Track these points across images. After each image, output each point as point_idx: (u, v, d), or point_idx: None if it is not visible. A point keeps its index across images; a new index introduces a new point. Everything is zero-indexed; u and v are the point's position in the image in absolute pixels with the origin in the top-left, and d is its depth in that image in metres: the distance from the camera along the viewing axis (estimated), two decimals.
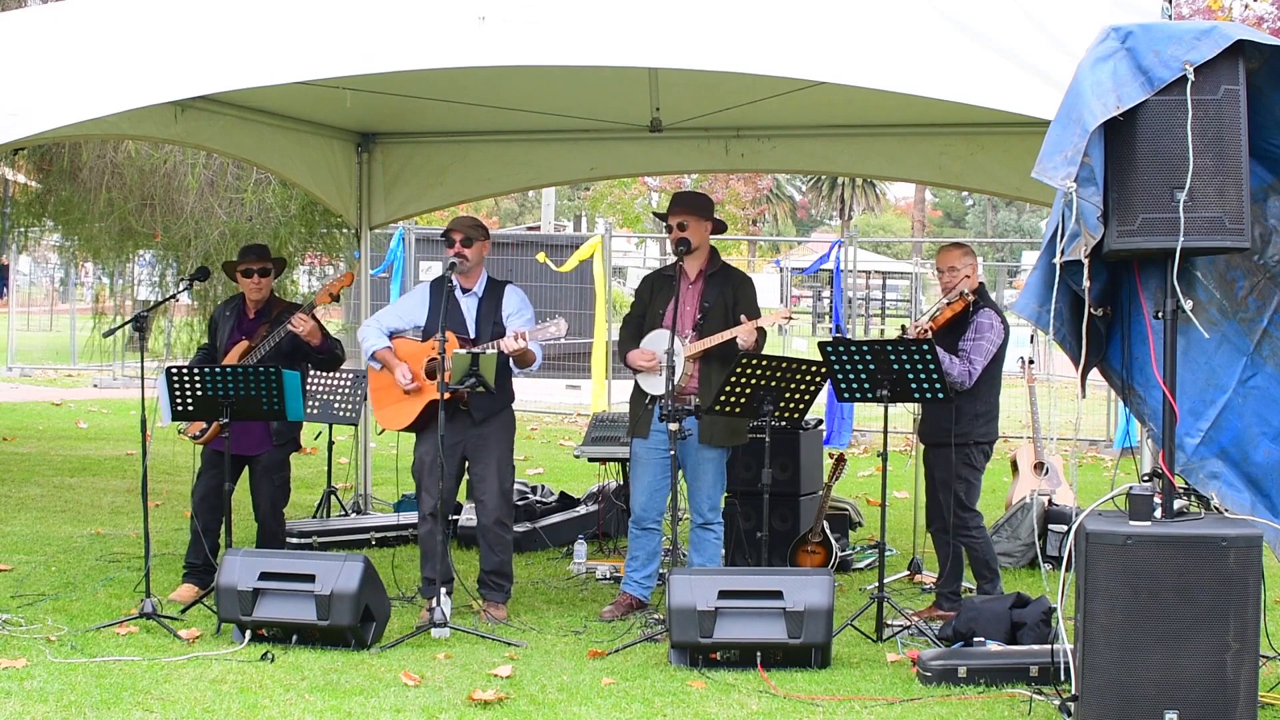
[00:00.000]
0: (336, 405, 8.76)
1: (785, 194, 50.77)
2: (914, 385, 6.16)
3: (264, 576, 5.86)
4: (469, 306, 6.63)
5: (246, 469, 6.93)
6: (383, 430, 6.93)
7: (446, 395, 6.20)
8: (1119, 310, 4.90)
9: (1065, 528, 7.53)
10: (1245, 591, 4.44)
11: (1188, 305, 4.64)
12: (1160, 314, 4.65)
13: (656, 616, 6.38)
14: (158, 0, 5.87)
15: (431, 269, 14.71)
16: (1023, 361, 9.37)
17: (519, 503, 8.55)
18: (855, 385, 6.22)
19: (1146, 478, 4.76)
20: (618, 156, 9.02)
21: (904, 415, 8.50)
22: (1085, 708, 4.58)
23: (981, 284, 6.73)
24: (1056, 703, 5.03)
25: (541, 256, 16.27)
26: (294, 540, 7.90)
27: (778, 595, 5.62)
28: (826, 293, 23.31)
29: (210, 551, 6.80)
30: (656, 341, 6.50)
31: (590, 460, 8.22)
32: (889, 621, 6.28)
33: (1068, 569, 4.84)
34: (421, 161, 9.12)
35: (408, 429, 6.61)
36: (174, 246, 12.15)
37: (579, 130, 8.65)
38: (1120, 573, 4.48)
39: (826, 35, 5.12)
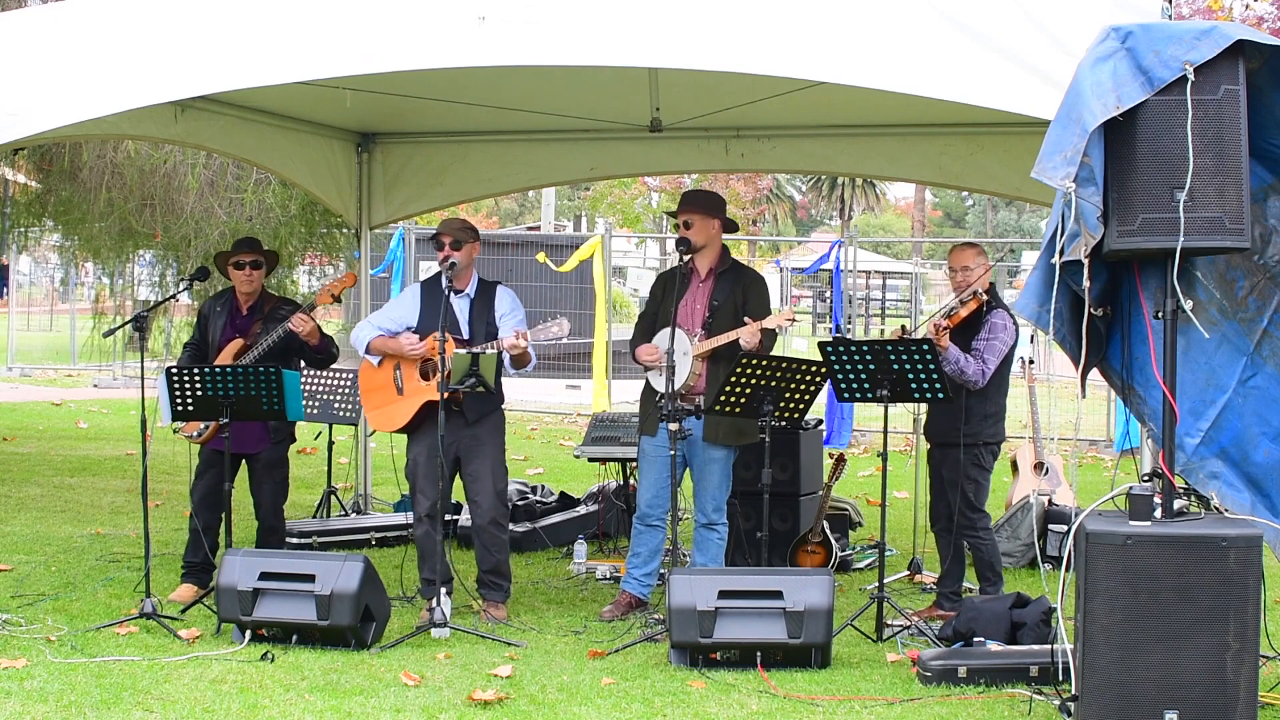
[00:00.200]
0: (336, 405, 8.76)
1: (785, 194, 50.76)
2: (914, 385, 6.16)
3: (264, 576, 5.86)
4: (462, 307, 6.62)
5: (245, 467, 6.93)
6: (373, 431, 6.92)
7: (445, 395, 6.20)
8: (1119, 310, 4.90)
9: (1065, 528, 7.53)
10: (1245, 591, 4.44)
11: (1188, 305, 4.64)
12: (1160, 314, 4.65)
13: (656, 616, 6.38)
14: (158, 0, 5.88)
15: (431, 269, 14.69)
16: (1023, 361, 9.37)
17: (519, 503, 8.55)
18: (855, 385, 6.22)
19: (1146, 478, 4.76)
20: (618, 156, 9.02)
21: (904, 415, 8.53)
22: (1085, 708, 4.58)
23: (993, 284, 6.72)
24: (1056, 703, 5.03)
25: (541, 256, 16.27)
26: (294, 540, 7.90)
27: (778, 595, 5.62)
28: (828, 293, 23.30)
29: (210, 550, 6.81)
30: (666, 339, 6.51)
31: (590, 460, 8.22)
32: (889, 621, 6.28)
33: (1068, 569, 4.84)
34: (421, 161, 9.12)
35: (402, 430, 6.61)
36: (174, 246, 12.16)
37: (579, 130, 8.64)
38: (1120, 573, 4.48)
39: (826, 35, 5.12)
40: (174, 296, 8.95)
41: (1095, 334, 4.82)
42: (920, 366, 6.10)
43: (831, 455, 8.08)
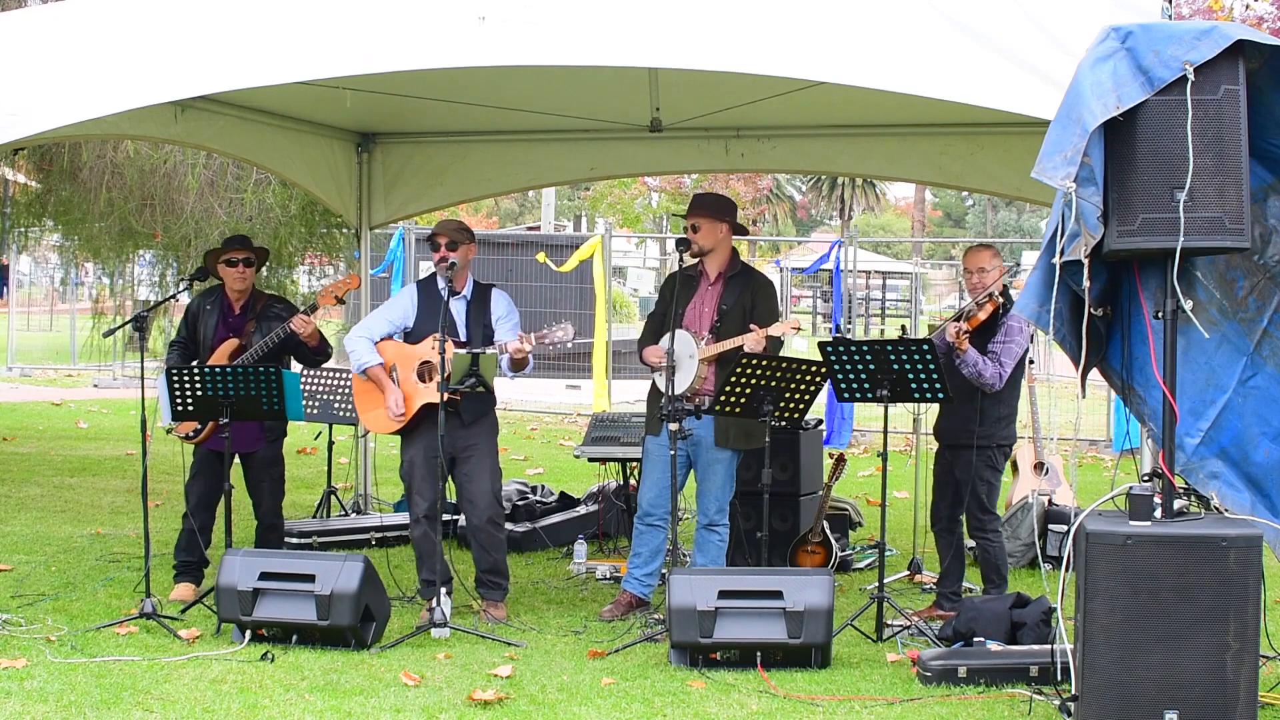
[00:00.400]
0: (336, 405, 8.76)
1: (785, 194, 50.75)
2: (914, 385, 6.16)
3: (264, 576, 5.86)
4: (459, 309, 6.61)
5: (239, 466, 6.93)
6: (366, 432, 6.92)
7: (446, 396, 6.20)
8: (1119, 310, 4.90)
9: (1065, 528, 7.53)
10: (1245, 591, 4.44)
11: (1188, 305, 4.64)
12: (1160, 314, 4.65)
13: (656, 616, 6.38)
14: (158, 0, 5.88)
15: (432, 269, 14.71)
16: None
17: (519, 503, 8.55)
18: (855, 385, 6.22)
19: (1146, 478, 4.76)
20: (618, 156, 9.02)
21: (904, 415, 8.51)
22: (1085, 708, 4.58)
23: (1006, 286, 6.72)
24: (1056, 703, 5.03)
25: (541, 256, 16.27)
26: (294, 540, 7.91)
27: (778, 595, 5.62)
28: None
29: (202, 547, 6.82)
30: (678, 340, 6.51)
31: (590, 460, 8.22)
32: (889, 621, 6.28)
33: (1068, 569, 4.84)
34: (421, 161, 9.12)
35: (397, 432, 6.60)
36: (174, 246, 12.17)
37: (579, 130, 8.64)
38: (1120, 573, 4.48)
39: (826, 35, 5.12)
40: (174, 296, 8.95)
41: (1095, 334, 4.82)
42: (920, 366, 6.10)
43: (831, 455, 8.08)
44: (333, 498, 8.94)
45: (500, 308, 6.68)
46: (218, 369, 6.36)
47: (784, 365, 6.18)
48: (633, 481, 8.10)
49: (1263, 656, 4.81)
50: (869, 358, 6.14)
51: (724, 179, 27.22)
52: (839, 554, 7.67)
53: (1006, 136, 7.68)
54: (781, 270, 19.72)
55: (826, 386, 6.51)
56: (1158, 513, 4.57)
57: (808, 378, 6.24)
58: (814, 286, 31.55)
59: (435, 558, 6.23)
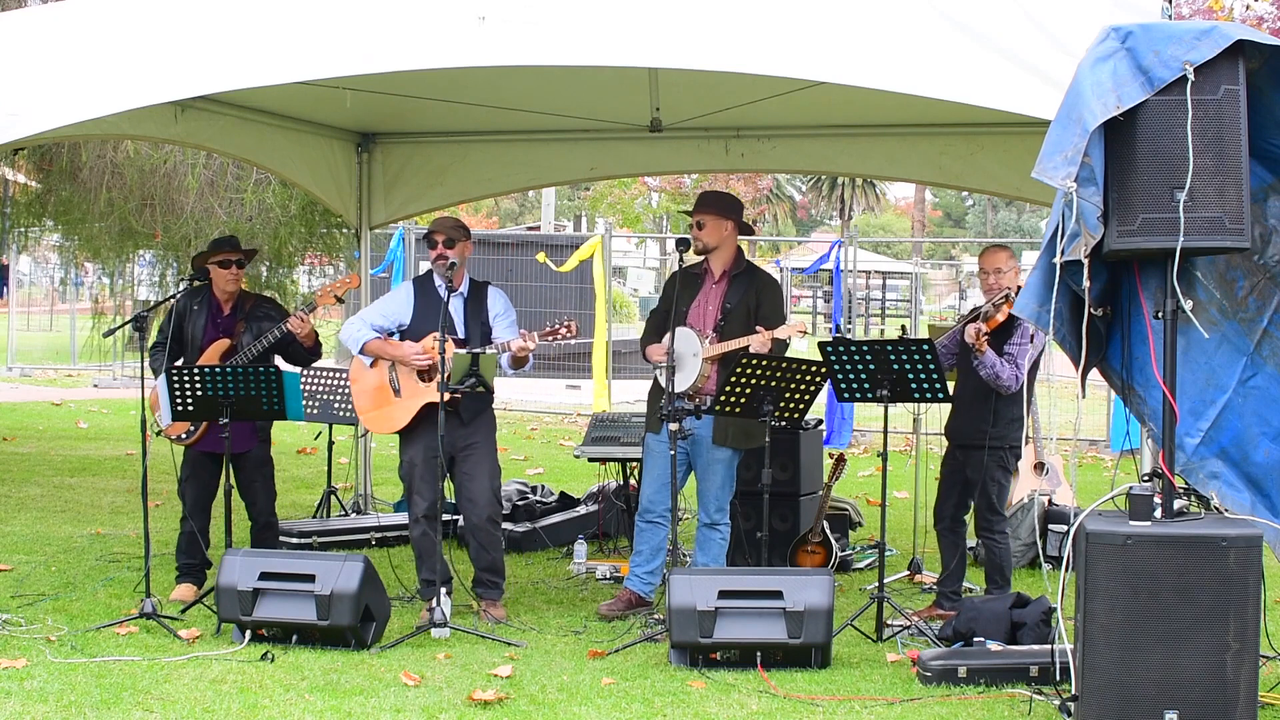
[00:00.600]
0: (336, 405, 8.76)
1: (785, 194, 50.76)
2: (914, 385, 6.16)
3: (264, 576, 5.86)
4: (457, 307, 6.60)
5: (231, 467, 6.93)
6: (365, 432, 6.91)
7: (446, 396, 6.19)
8: (1119, 310, 4.90)
9: (1065, 528, 7.53)
10: (1245, 591, 4.44)
11: (1188, 305, 4.64)
12: (1160, 314, 4.65)
13: (656, 616, 6.38)
14: (158, 0, 5.88)
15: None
16: None
17: (519, 503, 8.55)
18: (855, 385, 6.22)
19: (1146, 478, 4.76)
20: (618, 156, 9.02)
21: (904, 415, 8.52)
22: (1085, 708, 4.58)
23: (1020, 287, 6.70)
24: (1056, 703, 5.03)
25: (541, 256, 16.27)
26: (294, 540, 7.91)
27: (778, 595, 5.62)
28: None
29: (202, 549, 6.83)
30: (681, 338, 6.51)
31: (590, 460, 8.22)
32: (889, 621, 6.28)
33: (1068, 569, 4.84)
34: (421, 161, 9.12)
35: (397, 432, 6.60)
36: (174, 246, 12.16)
37: (579, 130, 8.64)
38: (1120, 573, 4.48)
39: (826, 35, 5.12)
40: (174, 296, 8.92)
41: (1095, 334, 4.82)
42: (920, 366, 6.10)
43: (831, 455, 8.08)
44: (333, 498, 8.94)
45: (497, 305, 6.68)
46: (218, 369, 6.36)
47: (784, 365, 6.18)
48: (633, 481, 8.10)
49: (1263, 656, 4.81)
50: (869, 358, 6.14)
51: (724, 179, 27.21)
52: (839, 554, 7.67)
53: (1006, 136, 7.68)
54: (781, 270, 19.72)
55: (826, 386, 6.51)
56: (1158, 513, 4.57)
57: (808, 378, 6.24)
58: (814, 286, 31.56)
59: (435, 558, 6.23)
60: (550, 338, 6.44)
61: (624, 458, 8.06)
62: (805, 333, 6.79)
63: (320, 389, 8.81)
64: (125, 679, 5.31)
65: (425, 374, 6.46)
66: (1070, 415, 12.42)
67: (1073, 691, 4.70)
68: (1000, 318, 6.50)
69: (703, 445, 6.59)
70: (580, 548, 7.84)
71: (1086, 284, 4.58)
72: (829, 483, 7.56)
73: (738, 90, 7.22)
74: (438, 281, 6.56)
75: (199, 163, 11.31)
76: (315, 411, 8.76)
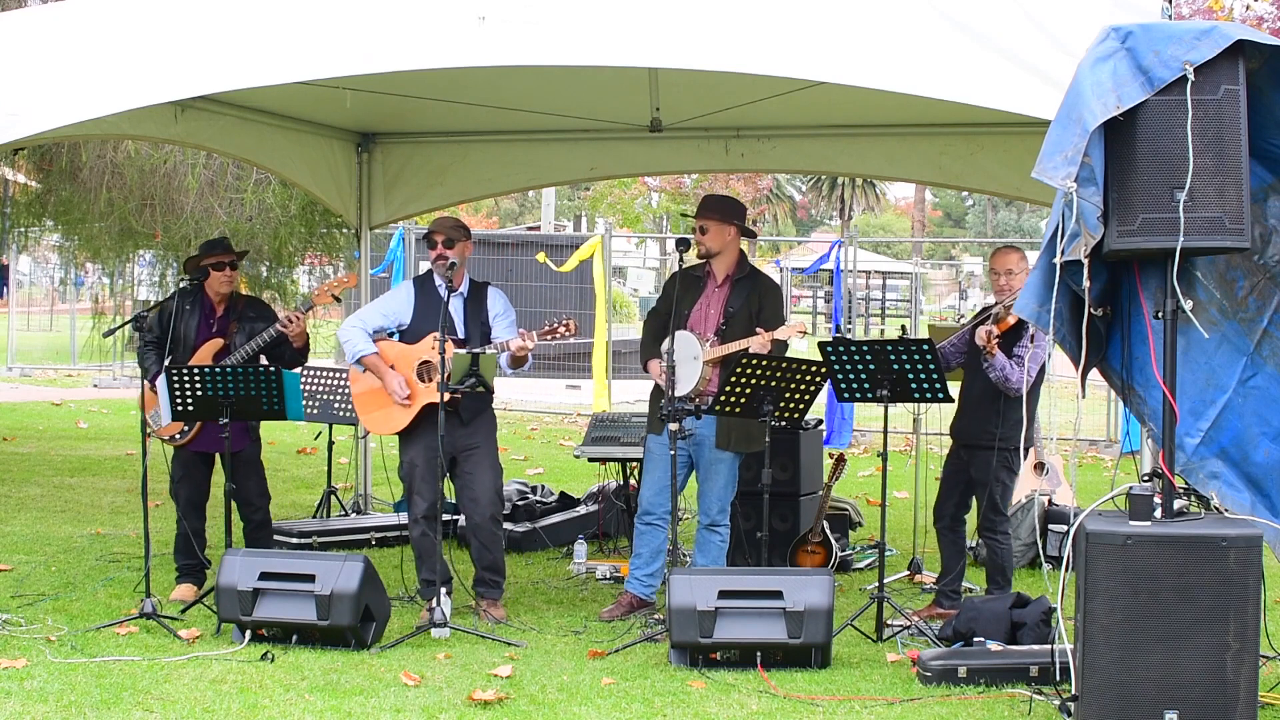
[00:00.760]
0: (336, 405, 8.76)
1: (785, 194, 50.76)
2: (914, 385, 6.16)
3: (264, 576, 5.86)
4: (456, 307, 6.60)
5: (220, 466, 6.95)
6: (366, 433, 6.90)
7: (446, 396, 6.19)
8: (1119, 310, 4.90)
9: (1065, 528, 7.53)
10: (1245, 591, 4.44)
11: (1188, 305, 4.64)
12: (1160, 314, 4.65)
13: (656, 616, 6.38)
14: (158, 0, 5.88)
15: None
16: None
17: (519, 503, 8.55)
18: (855, 385, 6.22)
19: (1146, 478, 4.76)
20: (618, 156, 9.02)
21: (904, 415, 8.51)
22: (1085, 708, 4.58)
23: None
24: (1056, 703, 5.03)
25: (541, 256, 16.27)
26: (294, 540, 7.91)
27: (778, 595, 5.62)
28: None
29: (199, 550, 6.83)
30: (682, 341, 6.51)
31: (590, 460, 8.22)
32: (889, 621, 6.28)
33: (1068, 569, 4.84)
34: (421, 161, 9.12)
35: (397, 433, 6.59)
36: (174, 246, 12.16)
37: (579, 130, 8.65)
38: (1120, 573, 4.48)
39: (826, 35, 5.12)
40: (173, 297, 8.93)
41: (1095, 334, 4.82)
42: (920, 366, 6.10)
43: (831, 455, 8.08)
44: (333, 498, 8.94)
45: (497, 305, 6.68)
46: (219, 369, 6.37)
47: (784, 365, 6.18)
48: (633, 481, 8.10)
49: (1263, 656, 4.81)
50: (869, 358, 6.14)
51: (724, 179, 27.23)
52: (839, 554, 7.67)
53: (1006, 136, 7.68)
54: (781, 270, 19.73)
55: (826, 386, 6.51)
56: (1158, 513, 4.57)
57: (808, 378, 6.24)
58: (814, 286, 31.56)
59: (435, 558, 6.23)
60: (549, 337, 6.44)
61: (624, 458, 8.06)
62: (805, 333, 6.79)
63: (320, 389, 8.81)
64: (125, 679, 5.31)
65: (424, 374, 6.45)
66: (1070, 415, 12.41)
67: (1073, 691, 4.70)
68: (1011, 320, 6.50)
69: (705, 447, 6.59)
70: (580, 548, 7.84)
71: (1086, 284, 4.58)
72: (829, 483, 7.56)
73: (738, 90, 7.22)
74: (438, 281, 6.56)
75: (199, 163, 11.31)
76: (315, 411, 8.76)
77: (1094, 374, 4.99)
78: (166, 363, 6.61)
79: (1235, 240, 4.45)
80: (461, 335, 6.54)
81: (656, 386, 6.70)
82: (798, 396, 6.29)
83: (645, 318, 6.91)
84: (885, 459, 6.46)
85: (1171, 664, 4.43)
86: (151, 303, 10.92)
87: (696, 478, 6.76)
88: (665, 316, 6.67)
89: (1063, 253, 4.56)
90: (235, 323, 6.92)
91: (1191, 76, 4.36)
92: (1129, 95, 4.39)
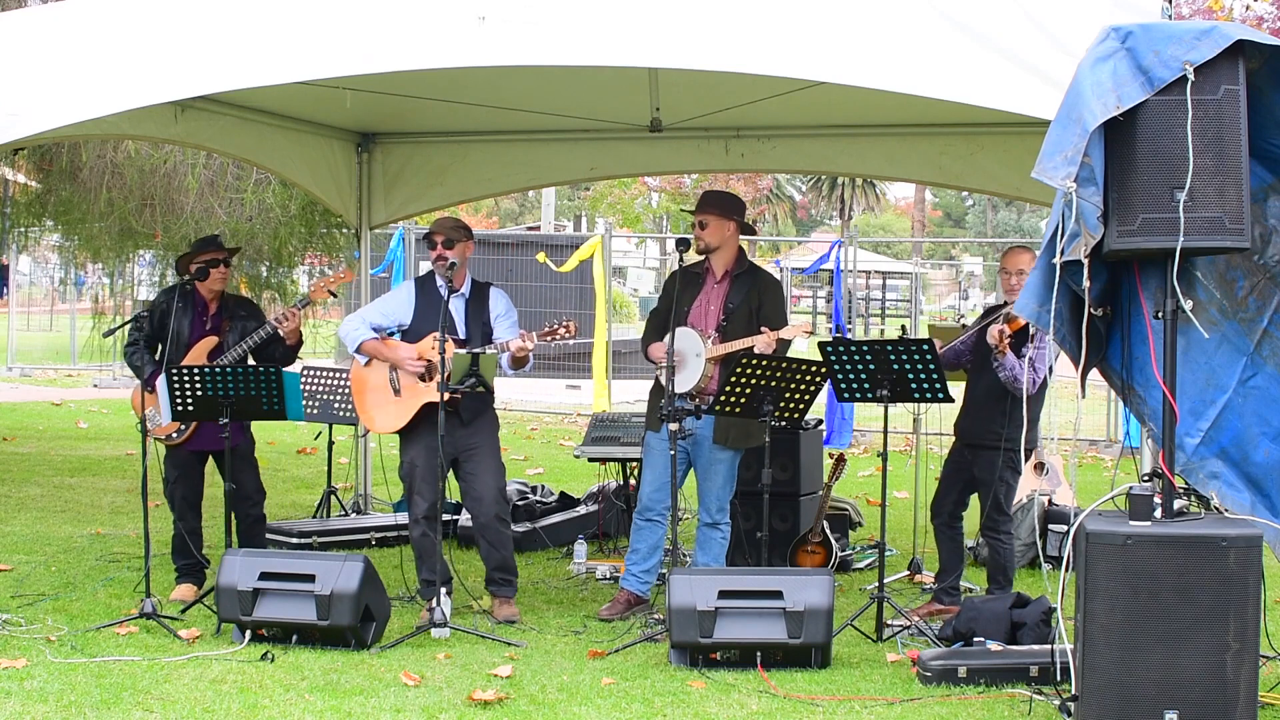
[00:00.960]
0: (336, 405, 8.76)
1: (785, 194, 50.76)
2: (914, 385, 6.16)
3: (264, 576, 5.86)
4: (458, 308, 6.60)
5: (213, 464, 6.94)
6: (366, 431, 6.90)
7: (446, 396, 6.19)
8: (1119, 310, 4.90)
9: (1065, 528, 7.53)
10: (1245, 591, 4.44)
11: (1188, 305, 4.64)
12: (1160, 314, 4.65)
13: (656, 616, 6.38)
14: (158, 0, 5.88)
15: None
16: None
17: (519, 503, 8.55)
18: (855, 385, 6.22)
19: (1146, 478, 4.76)
20: (618, 156, 9.02)
21: (904, 415, 8.51)
22: (1085, 708, 4.58)
23: None
24: (1056, 703, 5.03)
25: (541, 256, 16.27)
26: (294, 540, 7.91)
27: (778, 595, 5.62)
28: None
29: (197, 549, 6.83)
30: (684, 338, 6.51)
31: (590, 460, 8.22)
32: (889, 621, 6.28)
33: (1068, 569, 4.84)
34: (421, 161, 9.12)
35: (397, 431, 6.59)
36: (174, 246, 12.14)
37: (579, 130, 8.64)
38: (1120, 573, 4.48)
39: (826, 35, 5.12)
40: (165, 295, 8.94)
41: (1095, 334, 4.82)
42: (920, 366, 6.09)
43: (831, 455, 8.08)
44: (333, 498, 8.94)
45: (499, 306, 6.67)
46: (219, 369, 6.37)
47: (784, 365, 6.18)
48: (633, 481, 8.10)
49: (1263, 656, 4.81)
50: (869, 358, 6.14)
51: (724, 179, 27.24)
52: (839, 554, 7.67)
53: (1006, 136, 7.68)
54: (781, 270, 19.72)
55: (826, 386, 6.51)
56: (1158, 513, 4.57)
57: (808, 378, 6.24)
58: (814, 286, 31.55)
59: (435, 558, 6.23)
60: (549, 338, 6.44)
61: (624, 458, 8.06)
62: (811, 333, 6.79)
63: (320, 389, 8.81)
64: (125, 679, 5.31)
65: (425, 374, 6.45)
66: (1070, 415, 12.41)
67: (1073, 691, 4.70)
68: (1023, 320, 6.50)
69: (704, 445, 6.59)
70: (580, 548, 7.84)
71: (1086, 284, 4.58)
72: (829, 483, 7.56)
73: (738, 90, 7.22)
74: (439, 282, 6.56)
75: (199, 163, 11.30)
76: (315, 411, 8.77)
77: (1094, 374, 4.99)
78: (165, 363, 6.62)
79: (1235, 240, 4.45)
80: (462, 335, 6.54)
81: (656, 383, 6.69)
82: (798, 396, 6.29)
83: (647, 317, 6.91)
84: (885, 459, 6.46)
85: (1171, 664, 4.43)
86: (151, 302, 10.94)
87: (695, 476, 6.76)
88: (666, 314, 6.67)
89: (1063, 253, 4.56)
90: (228, 320, 6.92)
91: (1191, 76, 4.36)
92: (1129, 95, 4.39)
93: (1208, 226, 4.41)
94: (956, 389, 6.58)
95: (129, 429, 12.78)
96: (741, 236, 6.79)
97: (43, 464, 11.35)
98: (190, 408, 6.39)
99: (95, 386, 18.82)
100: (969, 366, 6.81)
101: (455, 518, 8.16)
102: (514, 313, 6.70)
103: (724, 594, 5.63)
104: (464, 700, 5.12)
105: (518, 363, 6.48)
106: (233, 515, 6.73)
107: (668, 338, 6.48)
